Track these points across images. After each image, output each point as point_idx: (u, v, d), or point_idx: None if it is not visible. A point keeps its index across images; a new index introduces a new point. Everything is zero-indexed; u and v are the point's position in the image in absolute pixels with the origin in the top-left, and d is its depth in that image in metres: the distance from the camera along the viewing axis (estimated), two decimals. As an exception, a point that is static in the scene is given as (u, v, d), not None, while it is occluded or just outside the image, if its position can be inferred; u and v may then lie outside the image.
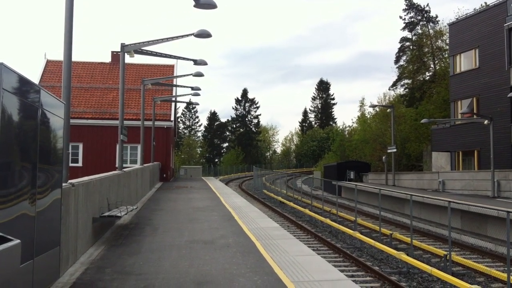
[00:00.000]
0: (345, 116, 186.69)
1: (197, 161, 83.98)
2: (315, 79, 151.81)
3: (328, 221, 22.03)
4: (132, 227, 13.69)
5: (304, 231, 20.97)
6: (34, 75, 38.57)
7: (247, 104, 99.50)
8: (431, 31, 54.61)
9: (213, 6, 14.39)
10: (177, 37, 18.56)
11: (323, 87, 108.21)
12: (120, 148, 18.27)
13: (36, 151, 6.02)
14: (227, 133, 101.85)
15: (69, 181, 9.11)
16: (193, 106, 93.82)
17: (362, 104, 66.90)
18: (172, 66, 41.41)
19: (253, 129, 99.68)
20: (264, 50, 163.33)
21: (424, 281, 13.01)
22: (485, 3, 41.15)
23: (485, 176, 27.78)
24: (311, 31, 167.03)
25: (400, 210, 27.03)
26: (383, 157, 40.16)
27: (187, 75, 26.63)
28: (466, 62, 34.10)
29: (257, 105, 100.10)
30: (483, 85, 31.63)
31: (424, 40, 54.03)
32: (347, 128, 77.57)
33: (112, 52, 41.09)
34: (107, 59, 41.93)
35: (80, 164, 34.35)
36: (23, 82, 5.59)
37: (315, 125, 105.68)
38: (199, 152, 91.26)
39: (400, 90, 58.31)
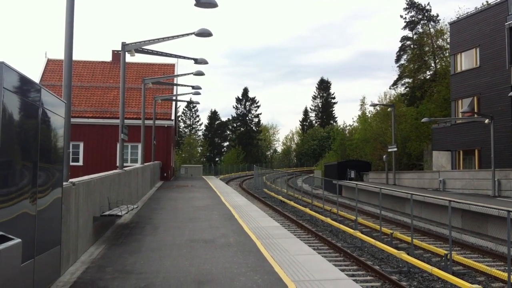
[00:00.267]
0: (346, 115, 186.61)
1: (197, 160, 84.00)
2: (315, 78, 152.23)
3: (328, 220, 22.03)
4: (133, 226, 13.70)
5: (305, 230, 20.97)
6: (35, 74, 38.65)
7: (247, 103, 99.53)
8: (432, 30, 54.55)
9: (213, 5, 14.39)
10: (178, 36, 18.55)
11: (323, 86, 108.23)
12: (121, 147, 18.28)
13: (37, 150, 6.02)
14: (228, 132, 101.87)
15: (70, 180, 9.12)
16: (194, 105, 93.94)
17: (362, 103, 66.92)
18: (172, 65, 41.41)
19: (253, 128, 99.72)
20: (265, 49, 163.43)
21: (424, 281, 13.01)
22: (486, 1, 41.12)
23: (485, 175, 27.77)
24: (312, 30, 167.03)
25: (400, 209, 27.03)
26: (384, 156, 40.14)
27: (188, 74, 26.63)
28: (467, 61, 34.07)
29: (258, 104, 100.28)
30: (484, 84, 31.61)
31: (425, 39, 53.96)
32: (348, 127, 77.54)
33: (113, 51, 41.09)
34: (108, 58, 41.97)
35: (80, 163, 34.37)
36: (24, 81, 5.59)
37: (316, 124, 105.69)
38: (199, 151, 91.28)
39: (401, 89, 58.33)
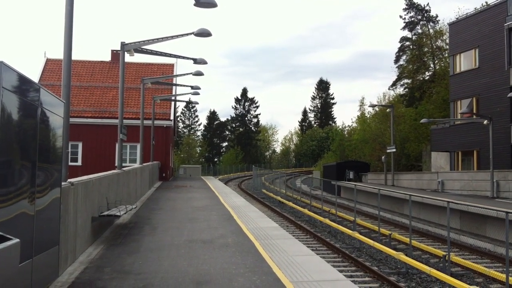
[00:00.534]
0: (345, 115, 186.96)
1: (196, 161, 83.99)
2: (315, 78, 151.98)
3: (327, 221, 22.03)
4: (131, 226, 13.69)
5: (303, 231, 20.97)
6: (34, 74, 38.57)
7: (246, 104, 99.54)
8: (431, 30, 54.62)
9: (213, 5, 14.39)
10: (177, 36, 18.54)
11: (322, 86, 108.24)
12: (120, 147, 18.26)
13: (36, 150, 6.01)
14: (227, 133, 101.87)
15: (69, 180, 9.11)
16: (193, 105, 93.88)
17: (361, 104, 66.93)
18: (172, 65, 41.38)
19: (252, 128, 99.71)
20: (265, 49, 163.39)
21: (423, 282, 13.01)
22: (486, 2, 41.15)
23: (484, 177, 27.79)
24: (312, 30, 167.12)
25: (399, 210, 27.04)
26: (383, 157, 40.17)
27: (187, 74, 26.63)
28: (466, 62, 34.10)
29: (257, 105, 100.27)
30: (483, 85, 31.63)
31: (424, 39, 54.04)
32: (347, 128, 77.62)
33: (112, 50, 41.07)
34: (107, 57, 41.92)
35: (79, 163, 34.34)
36: (23, 80, 5.58)
37: (315, 125, 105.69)
38: (198, 151, 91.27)
39: (400, 90, 58.41)
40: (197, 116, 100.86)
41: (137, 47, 18.26)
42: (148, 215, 16.19)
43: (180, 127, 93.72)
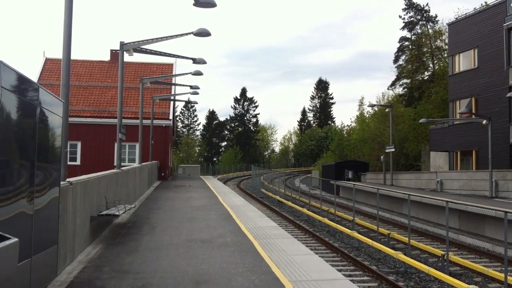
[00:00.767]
0: (344, 115, 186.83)
1: (195, 160, 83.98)
2: (314, 78, 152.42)
3: (326, 220, 22.04)
4: (130, 225, 13.69)
5: (302, 231, 20.98)
6: (33, 73, 38.54)
7: (246, 103, 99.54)
8: (430, 30, 54.65)
9: (212, 4, 14.39)
10: (176, 36, 18.54)
11: (322, 86, 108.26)
12: (119, 147, 18.27)
13: (35, 149, 6.01)
14: (226, 132, 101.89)
15: (67, 179, 9.11)
16: (192, 105, 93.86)
17: (361, 104, 67.05)
18: (171, 65, 41.37)
19: (251, 128, 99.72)
20: (264, 49, 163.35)
21: (421, 281, 13.02)
22: (485, 2, 41.17)
23: (483, 176, 27.81)
24: (311, 30, 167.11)
25: (398, 209, 27.06)
26: (382, 157, 40.17)
27: (186, 73, 26.61)
28: (465, 62, 34.12)
29: (256, 104, 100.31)
30: (482, 85, 31.66)
31: (423, 39, 54.07)
32: (346, 128, 77.70)
33: (111, 50, 41.06)
34: (106, 57, 41.92)
35: (78, 162, 34.32)
36: (22, 80, 5.58)
37: (314, 125, 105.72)
38: (197, 151, 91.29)
39: (399, 90, 58.47)
40: (196, 115, 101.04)
41: (136, 47, 18.26)
42: (147, 214, 16.19)
43: (179, 127, 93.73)
